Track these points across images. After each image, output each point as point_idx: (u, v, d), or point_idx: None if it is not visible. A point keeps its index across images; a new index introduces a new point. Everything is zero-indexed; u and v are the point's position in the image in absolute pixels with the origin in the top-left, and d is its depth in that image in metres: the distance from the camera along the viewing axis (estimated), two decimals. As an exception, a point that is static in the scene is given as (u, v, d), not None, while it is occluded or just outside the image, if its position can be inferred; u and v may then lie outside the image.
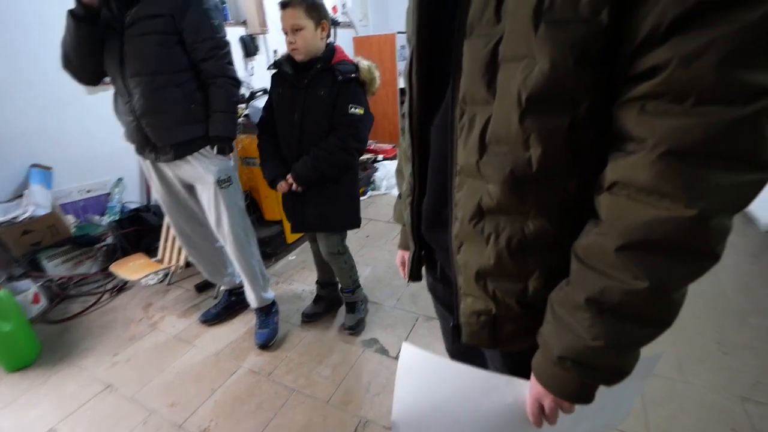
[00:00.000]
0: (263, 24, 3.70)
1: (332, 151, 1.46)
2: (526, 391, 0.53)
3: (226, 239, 1.68)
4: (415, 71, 0.57)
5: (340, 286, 1.84)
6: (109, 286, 2.28)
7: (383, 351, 1.68)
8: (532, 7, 0.38)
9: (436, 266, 0.75)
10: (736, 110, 0.32)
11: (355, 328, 1.77)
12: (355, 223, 1.67)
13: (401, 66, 4.98)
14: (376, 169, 3.72)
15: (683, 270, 0.39)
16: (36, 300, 2.04)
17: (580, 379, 0.46)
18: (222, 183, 1.58)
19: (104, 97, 2.62)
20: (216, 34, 1.45)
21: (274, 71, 1.56)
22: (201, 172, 1.56)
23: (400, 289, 2.07)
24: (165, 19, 1.36)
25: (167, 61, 1.40)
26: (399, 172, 0.84)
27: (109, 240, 2.47)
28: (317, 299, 1.95)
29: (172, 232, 1.91)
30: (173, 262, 2.15)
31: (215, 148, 1.54)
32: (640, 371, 0.47)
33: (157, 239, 2.62)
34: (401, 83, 4.88)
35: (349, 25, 5.14)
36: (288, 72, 1.48)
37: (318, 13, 1.39)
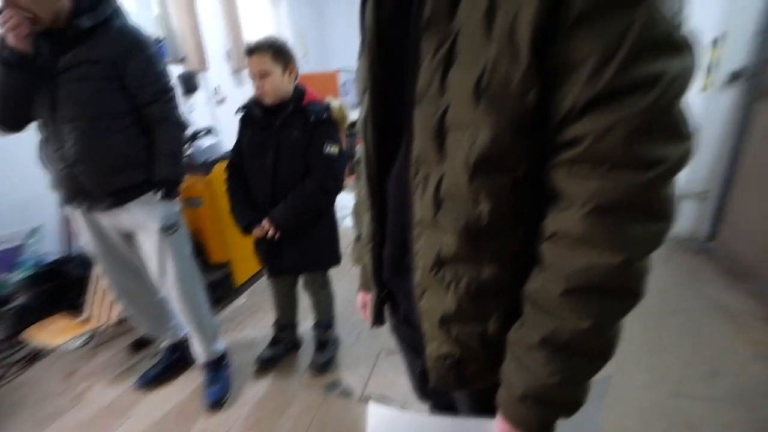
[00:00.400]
0: (203, 61, 3.64)
1: (312, 196, 1.45)
2: (493, 428, 0.57)
3: (171, 289, 1.55)
4: (371, 129, 0.61)
5: (315, 320, 1.78)
6: (20, 355, 1.97)
7: (347, 393, 1.62)
8: (473, 84, 0.44)
9: (399, 309, 0.77)
10: (640, 175, 0.40)
11: (326, 367, 1.71)
12: (336, 260, 1.65)
13: (345, 101, 5.08)
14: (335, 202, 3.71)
15: (616, 308, 0.46)
16: None
17: (542, 414, 0.51)
18: (168, 229, 1.48)
19: (15, 139, 2.37)
20: (161, 78, 1.41)
21: (241, 114, 1.54)
22: (143, 220, 1.46)
23: (360, 323, 2.04)
24: (105, 66, 1.29)
25: (107, 106, 1.33)
26: (356, 213, 0.88)
27: (20, 300, 2.16)
28: (274, 342, 1.84)
29: (104, 285, 1.73)
30: (103, 319, 1.92)
31: (160, 193, 1.46)
32: (594, 395, 0.52)
33: (81, 294, 2.34)
34: (351, 117, 4.96)
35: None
36: (258, 115, 1.47)
37: (284, 58, 1.42)
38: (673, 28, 0.39)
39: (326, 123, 1.47)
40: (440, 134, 0.49)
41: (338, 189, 1.53)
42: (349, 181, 3.82)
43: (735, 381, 1.57)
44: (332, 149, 1.46)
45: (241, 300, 2.42)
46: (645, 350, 1.75)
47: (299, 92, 1.48)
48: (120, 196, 1.41)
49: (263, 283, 2.55)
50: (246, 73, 4.29)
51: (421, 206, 0.54)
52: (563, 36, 0.40)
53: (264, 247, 1.58)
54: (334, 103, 1.53)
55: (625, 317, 0.47)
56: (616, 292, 0.45)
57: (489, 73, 0.43)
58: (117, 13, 1.36)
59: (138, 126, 1.41)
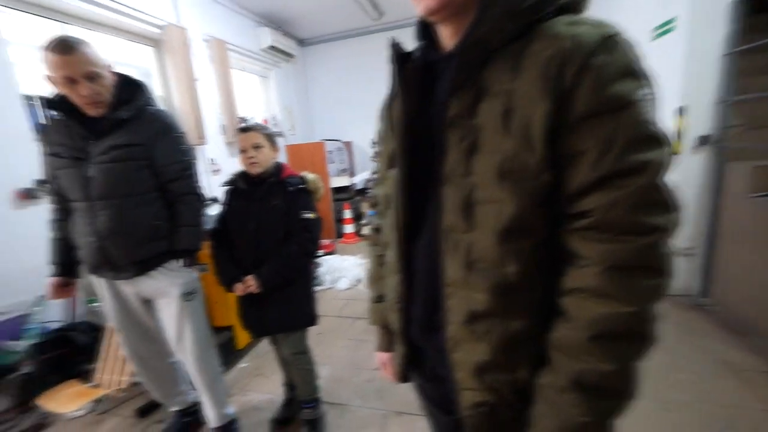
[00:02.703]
0: (201, 136, 3.93)
1: (294, 257, 1.60)
2: None
3: (187, 354, 1.63)
4: (401, 205, 0.69)
5: (300, 398, 1.78)
6: (27, 424, 1.96)
7: (359, 457, 1.65)
8: (497, 169, 0.55)
9: (425, 367, 0.80)
10: (643, 239, 0.51)
11: None
12: (314, 319, 1.73)
13: (331, 168, 5.42)
14: (319, 265, 3.82)
15: (634, 351, 0.53)
16: (-72, 456, 1.69)
17: None
18: (187, 296, 1.59)
19: (33, 210, 2.52)
20: (184, 157, 1.58)
21: (228, 187, 1.72)
22: (165, 287, 1.57)
23: (363, 385, 2.08)
24: (138, 148, 1.44)
25: (137, 184, 1.47)
26: (372, 279, 0.94)
27: (27, 368, 2.17)
28: (288, 402, 1.89)
29: (120, 352, 1.78)
30: (113, 385, 1.95)
31: (181, 261, 1.58)
32: None
33: (87, 362, 2.36)
34: (333, 183, 5.27)
35: (280, 134, 5.59)
36: (242, 187, 1.64)
37: (272, 139, 1.66)
38: (652, 126, 0.51)
39: (303, 192, 1.66)
40: (468, 208, 0.59)
41: (316, 250, 1.69)
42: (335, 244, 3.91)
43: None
44: (309, 215, 1.64)
45: (243, 363, 2.45)
46: (658, 408, 1.76)
47: (279, 167, 1.69)
48: (145, 265, 1.53)
49: (264, 347, 2.59)
50: (237, 144, 4.58)
51: (452, 269, 0.62)
52: (568, 131, 0.52)
53: (247, 311, 1.68)
54: (309, 175, 1.74)
55: (640, 360, 0.54)
56: (634, 337, 0.52)
57: (510, 160, 0.54)
58: (149, 101, 1.55)
59: (162, 200, 1.55)
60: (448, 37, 0.66)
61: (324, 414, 1.82)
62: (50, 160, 1.48)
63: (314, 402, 1.75)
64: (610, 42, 0.51)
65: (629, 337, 0.53)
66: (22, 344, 2.28)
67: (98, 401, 2.07)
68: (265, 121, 5.43)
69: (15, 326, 2.40)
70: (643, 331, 0.53)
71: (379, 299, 0.93)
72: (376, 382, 2.09)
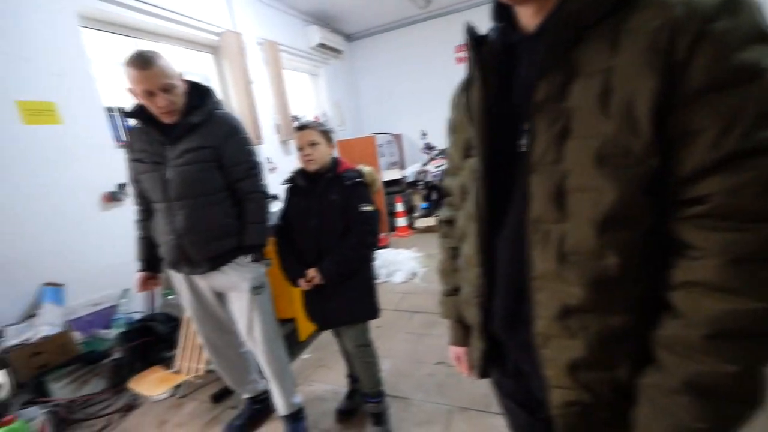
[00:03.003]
0: (258, 136, 4.10)
1: (355, 249, 1.61)
2: None
3: (257, 344, 1.71)
4: (482, 196, 0.67)
5: (363, 390, 1.80)
6: (119, 405, 2.17)
7: (424, 451, 1.65)
8: (594, 153, 0.51)
9: (505, 361, 0.78)
10: None
11: None
12: (376, 311, 1.75)
13: (382, 161, 5.45)
14: (374, 258, 3.85)
15: (765, 352, 0.47)
16: (43, 430, 1.92)
17: None
18: (256, 289, 1.67)
19: (116, 212, 2.76)
20: (250, 157, 1.65)
21: (288, 185, 1.76)
22: (236, 281, 1.65)
23: (426, 379, 2.08)
24: (209, 150, 1.53)
25: (209, 184, 1.56)
26: (443, 271, 0.93)
27: (116, 354, 2.40)
28: (351, 393, 1.93)
29: (197, 341, 1.91)
30: (192, 372, 2.10)
31: (249, 257, 1.65)
32: None
33: (166, 349, 2.56)
34: (384, 177, 5.30)
35: (330, 130, 5.69)
36: (301, 184, 1.68)
37: (327, 135, 1.68)
38: None
39: (360, 186, 1.67)
40: (560, 197, 0.55)
41: (376, 242, 1.70)
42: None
43: None
44: (367, 208, 1.64)
45: (306, 355, 2.54)
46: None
47: (335, 162, 1.71)
48: (217, 261, 1.62)
49: (326, 338, 2.67)
50: (291, 143, 4.74)
51: (541, 261, 0.59)
52: (681, 109, 0.46)
53: (312, 305, 1.72)
54: (365, 168, 1.74)
55: None
56: (763, 336, 0.46)
57: (609, 144, 0.50)
58: (217, 105, 1.63)
59: (231, 199, 1.63)
60: (529, 16, 0.61)
61: (388, 407, 1.83)
62: (134, 165, 1.60)
63: (379, 396, 1.77)
64: (731, 4, 0.45)
65: (760, 336, 0.46)
66: (112, 332, 2.52)
67: (178, 386, 2.24)
68: (316, 118, 5.55)
69: (106, 316, 2.66)
70: None
71: (451, 292, 0.91)
72: (438, 377, 2.08)
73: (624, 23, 0.50)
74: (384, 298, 3.17)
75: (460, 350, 0.93)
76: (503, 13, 0.66)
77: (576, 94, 0.53)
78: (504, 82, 0.65)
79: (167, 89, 1.44)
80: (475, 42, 0.67)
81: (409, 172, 5.79)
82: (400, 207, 5.00)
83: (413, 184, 5.64)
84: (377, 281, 3.51)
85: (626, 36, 0.49)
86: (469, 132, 0.69)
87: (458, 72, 6.75)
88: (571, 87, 0.53)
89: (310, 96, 5.85)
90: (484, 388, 1.89)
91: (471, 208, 0.71)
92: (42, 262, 2.32)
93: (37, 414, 1.92)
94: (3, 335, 2.05)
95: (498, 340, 0.75)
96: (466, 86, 0.70)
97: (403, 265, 3.67)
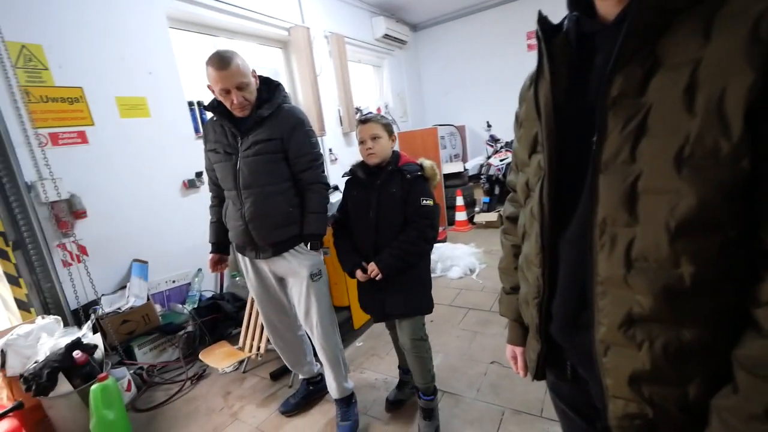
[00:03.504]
0: (322, 128, 4.22)
1: (414, 242, 1.60)
2: None
3: (313, 329, 1.78)
4: (546, 194, 0.65)
5: (416, 385, 1.77)
6: (190, 373, 2.39)
7: (472, 448, 1.62)
8: (674, 153, 0.47)
9: (562, 365, 0.76)
10: None
11: None
12: (431, 306, 1.73)
13: (443, 154, 5.37)
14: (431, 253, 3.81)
15: None
16: (128, 388, 2.17)
17: None
18: (314, 276, 1.73)
19: (193, 198, 3.01)
20: (313, 149, 1.71)
21: (348, 177, 1.78)
22: (295, 267, 1.73)
23: (478, 378, 2.03)
24: (276, 141, 1.61)
25: (275, 174, 1.64)
26: (504, 269, 0.92)
27: (189, 327, 2.63)
28: (401, 385, 1.95)
29: (259, 321, 2.04)
30: (254, 350, 2.25)
31: (309, 245, 1.72)
32: None
33: (231, 326, 2.77)
34: (445, 170, 5.21)
35: (392, 122, 5.71)
36: (361, 176, 1.69)
37: (389, 129, 1.66)
38: None
39: (420, 180, 1.64)
40: (631, 199, 0.52)
41: (435, 236, 1.66)
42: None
43: None
44: (427, 201, 1.61)
45: (359, 342, 2.60)
46: None
47: (396, 155, 1.69)
48: (279, 247, 1.70)
49: (379, 328, 2.71)
50: (353, 135, 4.84)
51: (607, 265, 0.56)
52: None
53: (368, 296, 1.73)
54: (426, 162, 1.70)
55: None
56: None
57: (692, 144, 0.45)
58: (285, 99, 1.70)
59: (294, 189, 1.70)
60: (610, 4, 0.57)
61: (438, 403, 1.82)
62: (209, 155, 1.73)
63: (431, 394, 1.76)
64: None
65: None
66: (186, 308, 2.77)
67: (241, 362, 2.41)
68: (378, 109, 5.60)
69: (181, 293, 2.94)
70: None
71: (511, 291, 0.90)
72: (491, 377, 2.02)
73: (721, 8, 0.45)
74: (439, 293, 3.17)
75: (517, 349, 0.92)
76: (581, 1, 0.61)
77: (657, 89, 0.49)
78: (579, 76, 0.61)
79: (242, 87, 1.53)
80: (547, 33, 0.63)
81: (471, 165, 5.64)
82: (460, 201, 4.90)
83: (475, 177, 5.50)
84: (433, 275, 3.51)
85: (722, 22, 0.45)
86: (537, 127, 0.67)
87: (529, 59, 6.45)
88: (652, 81, 0.49)
89: (373, 87, 5.91)
90: (539, 392, 1.83)
91: (534, 207, 0.69)
92: (132, 241, 2.61)
93: (124, 374, 2.18)
94: (99, 303, 2.33)
95: (556, 343, 0.73)
96: (535, 79, 0.67)
97: (460, 260, 3.60)
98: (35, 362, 1.80)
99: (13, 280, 2.14)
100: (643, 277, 0.52)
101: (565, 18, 0.65)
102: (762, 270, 0.47)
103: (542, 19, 0.64)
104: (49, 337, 1.88)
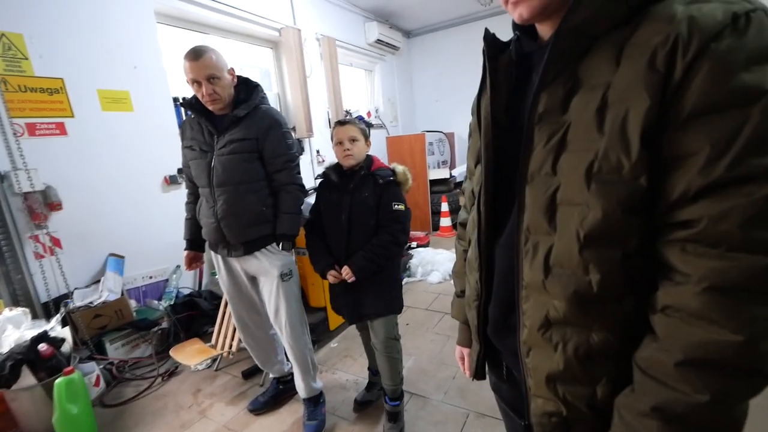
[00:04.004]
0: (310, 129, 4.24)
1: (386, 246, 1.62)
2: None
3: (282, 328, 1.79)
4: (484, 202, 0.69)
5: (384, 389, 1.80)
6: (162, 370, 2.38)
7: (435, 450, 1.64)
8: (584, 169, 0.50)
9: (502, 366, 0.79)
10: (761, 258, 0.41)
11: None
12: (401, 306, 1.76)
13: (431, 160, 5.42)
14: (411, 256, 3.85)
15: (741, 386, 0.45)
16: (97, 383, 2.15)
17: None
18: (284, 276, 1.74)
19: (174, 194, 3.00)
20: (289, 150, 1.72)
21: (321, 180, 1.80)
22: (266, 266, 1.74)
23: (447, 381, 2.06)
24: (251, 141, 1.63)
25: (248, 173, 1.66)
26: (456, 273, 0.95)
27: (164, 324, 2.62)
28: (370, 386, 1.97)
29: (232, 320, 2.04)
30: (226, 348, 2.25)
31: (281, 245, 1.73)
32: None
33: (208, 324, 2.76)
34: (431, 175, 5.26)
35: (381, 126, 5.75)
36: (334, 179, 1.71)
37: (365, 133, 1.70)
38: None
39: (392, 184, 1.67)
40: (551, 209, 0.55)
41: (407, 240, 1.70)
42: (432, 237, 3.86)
43: None
44: (399, 206, 1.65)
45: (333, 343, 2.61)
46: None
47: (369, 160, 1.72)
48: (251, 246, 1.71)
49: (354, 330, 2.70)
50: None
51: (530, 271, 0.59)
52: (673, 131, 0.45)
53: (341, 298, 1.74)
54: (398, 167, 1.73)
55: (751, 398, 0.46)
56: (742, 370, 0.44)
57: (600, 160, 0.49)
58: (262, 100, 1.72)
59: (268, 189, 1.72)
60: (546, 28, 0.61)
61: (404, 407, 1.84)
62: (185, 152, 1.74)
63: (398, 399, 1.77)
64: (741, 22, 0.42)
65: (738, 371, 0.44)
66: (162, 304, 2.76)
67: (213, 360, 2.41)
68: (369, 113, 5.63)
69: (158, 289, 2.92)
70: (758, 366, 0.44)
71: (462, 294, 0.93)
72: (460, 380, 2.04)
73: (631, 36, 0.48)
74: (417, 297, 3.19)
75: (464, 350, 0.95)
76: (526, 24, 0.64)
77: (575, 108, 0.52)
78: (518, 93, 0.65)
79: (211, 79, 1.55)
80: (493, 50, 0.66)
81: (459, 172, 5.69)
82: (445, 207, 4.94)
83: (461, 184, 5.55)
84: (412, 279, 3.54)
85: (629, 50, 0.48)
86: (479, 139, 0.70)
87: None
88: (573, 99, 0.53)
89: (364, 91, 5.94)
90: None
91: (475, 214, 0.72)
92: (109, 234, 2.59)
93: (93, 369, 2.16)
94: (71, 296, 2.31)
95: (494, 345, 0.76)
96: (480, 94, 0.70)
97: (441, 265, 3.63)
98: (-1, 354, 1.78)
99: (-18, 271, 2.12)
100: (558, 282, 0.55)
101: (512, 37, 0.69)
102: (659, 279, 0.50)
103: (489, 37, 0.66)
104: (15, 330, 1.86)
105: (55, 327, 1.97)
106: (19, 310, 2.00)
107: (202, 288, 3.17)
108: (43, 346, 1.80)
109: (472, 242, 0.75)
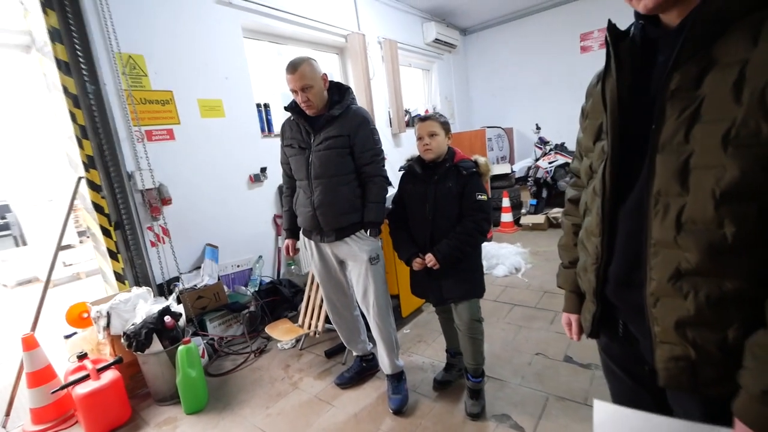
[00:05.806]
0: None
1: (471, 234, 1.72)
2: None
3: (370, 308, 1.95)
4: (609, 173, 0.75)
5: (466, 368, 1.88)
6: (254, 347, 2.65)
7: (518, 428, 1.71)
8: (721, 136, 0.57)
9: (617, 324, 0.84)
10: None
11: (478, 417, 1.81)
12: (484, 289, 1.85)
13: (490, 156, 5.41)
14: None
15: None
16: (203, 355, 2.45)
17: None
18: (372, 260, 1.91)
19: (257, 191, 3.30)
20: (376, 145, 1.89)
21: (403, 172, 1.92)
22: (356, 251, 1.91)
23: (523, 367, 2.12)
24: (344, 138, 1.81)
25: (341, 167, 1.84)
26: (563, 246, 1.03)
27: (252, 307, 2.90)
28: (448, 367, 2.08)
29: (319, 302, 2.24)
30: (312, 328, 2.46)
31: (369, 231, 1.90)
32: None
33: (288, 309, 3.01)
34: (492, 171, 5.25)
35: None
36: (418, 171, 1.83)
37: (446, 127, 1.79)
38: None
39: (475, 175, 1.75)
40: (683, 173, 0.62)
41: (489, 229, 1.76)
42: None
43: None
44: (482, 196, 1.73)
45: (406, 329, 2.74)
46: None
47: (452, 152, 1.81)
48: (342, 232, 1.89)
49: (425, 317, 2.86)
50: (402, 136, 5.01)
51: (660, 229, 0.65)
52: None
53: (425, 283, 1.85)
54: (480, 159, 1.81)
55: None
56: None
57: (738, 127, 0.55)
58: (353, 101, 1.90)
59: (357, 181, 1.89)
60: (672, 16, 0.67)
61: (484, 385, 1.92)
62: (286, 149, 1.97)
63: (480, 376, 1.87)
64: None
65: None
66: (249, 290, 3.05)
67: (299, 339, 2.64)
68: (426, 111, 5.75)
69: (244, 277, 3.22)
70: None
71: (568, 265, 1.00)
72: (536, 366, 2.09)
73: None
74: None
75: (572, 317, 1.02)
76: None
77: (710, 83, 0.59)
78: (641, 74, 0.72)
79: (306, 89, 1.76)
80: (615, 37, 0.74)
81: (519, 167, 5.64)
82: (506, 202, 4.92)
83: (522, 179, 5.49)
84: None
85: (766, 30, 0.55)
86: (602, 118, 0.78)
87: (582, 61, 6.29)
88: (706, 77, 0.59)
89: (422, 91, 6.06)
90: (583, 382, 1.90)
91: (597, 185, 0.79)
92: (207, 226, 2.93)
93: (199, 342, 2.46)
94: (180, 279, 2.65)
95: (610, 304, 0.82)
96: (603, 77, 0.78)
97: (505, 259, 3.65)
98: (133, 324, 2.10)
99: (113, 256, 2.49)
100: (691, 237, 0.62)
101: (631, 25, 0.77)
102: None
103: (611, 26, 0.75)
104: (144, 304, 2.19)
105: (172, 303, 2.28)
106: (143, 289, 2.34)
107: (281, 277, 3.45)
108: (167, 318, 2.11)
109: (593, 211, 0.81)
